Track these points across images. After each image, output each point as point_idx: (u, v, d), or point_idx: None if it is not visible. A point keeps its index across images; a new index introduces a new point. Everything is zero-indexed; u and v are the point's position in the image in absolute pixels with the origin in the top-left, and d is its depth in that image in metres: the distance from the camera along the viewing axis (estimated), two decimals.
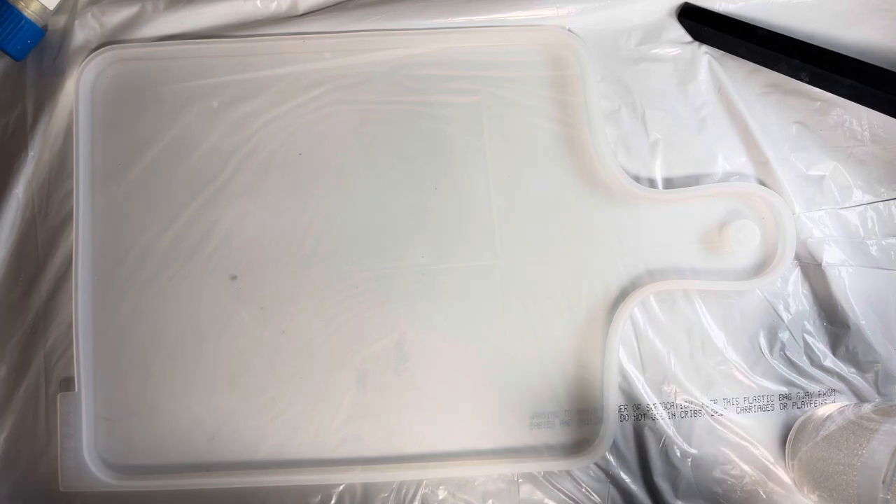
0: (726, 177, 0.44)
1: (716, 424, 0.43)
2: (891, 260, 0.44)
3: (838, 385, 0.44)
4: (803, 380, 0.44)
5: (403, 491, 0.43)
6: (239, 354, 0.43)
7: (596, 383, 0.43)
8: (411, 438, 0.43)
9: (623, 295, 0.43)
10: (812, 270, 0.44)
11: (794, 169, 0.44)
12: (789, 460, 0.43)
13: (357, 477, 0.42)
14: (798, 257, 0.44)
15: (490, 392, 0.43)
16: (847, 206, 0.44)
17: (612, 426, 0.42)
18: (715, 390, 0.43)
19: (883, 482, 0.35)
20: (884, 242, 0.44)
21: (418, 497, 0.43)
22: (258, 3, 0.44)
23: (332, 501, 0.43)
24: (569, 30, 0.44)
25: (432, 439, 0.43)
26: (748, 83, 0.44)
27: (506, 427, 0.43)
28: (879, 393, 0.43)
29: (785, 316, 0.44)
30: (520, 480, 0.43)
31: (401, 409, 0.43)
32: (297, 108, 0.44)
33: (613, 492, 0.43)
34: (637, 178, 0.44)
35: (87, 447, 0.42)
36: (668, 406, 0.43)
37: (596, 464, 0.43)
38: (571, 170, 0.44)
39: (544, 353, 0.43)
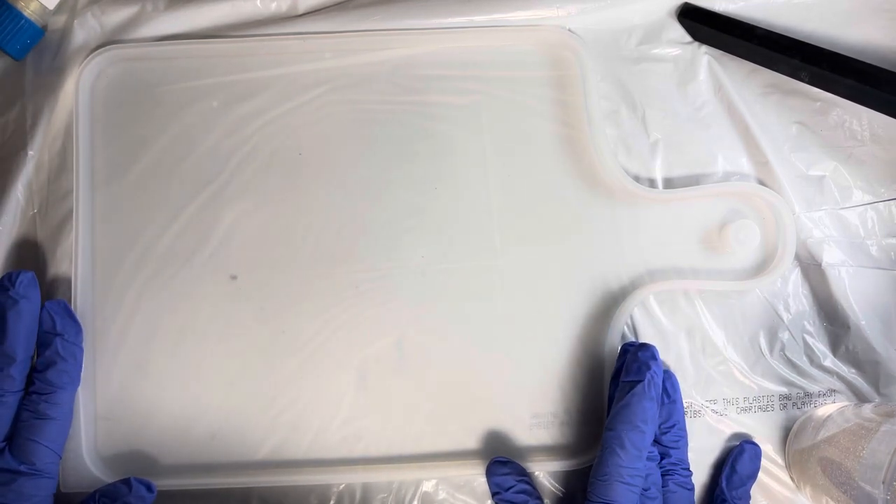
0: (726, 177, 0.44)
1: (715, 424, 0.43)
2: (891, 260, 0.44)
3: (838, 385, 0.44)
4: (803, 380, 0.44)
5: (403, 491, 0.43)
6: (239, 354, 0.43)
7: (596, 383, 0.43)
8: (411, 438, 0.43)
9: (623, 295, 0.43)
10: (812, 271, 0.44)
11: (794, 169, 0.44)
12: (789, 460, 0.43)
13: (357, 477, 0.42)
14: (798, 257, 0.44)
15: (490, 392, 0.43)
16: (847, 206, 0.44)
17: None
18: (715, 390, 0.43)
19: (883, 482, 0.35)
20: (884, 243, 0.44)
21: (417, 497, 0.43)
22: (258, 3, 0.44)
23: (332, 502, 0.43)
24: (569, 30, 0.44)
25: (432, 439, 0.43)
26: (748, 83, 0.44)
27: (506, 427, 0.43)
28: (879, 393, 0.43)
29: (785, 316, 0.44)
30: None
31: (401, 409, 0.43)
32: (297, 108, 0.44)
33: None
34: (637, 178, 0.44)
35: (87, 447, 0.42)
36: None
37: None
38: (571, 170, 0.44)
39: (544, 353, 0.43)
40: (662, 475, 0.40)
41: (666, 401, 0.41)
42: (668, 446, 0.40)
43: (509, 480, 0.40)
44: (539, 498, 0.41)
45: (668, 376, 0.41)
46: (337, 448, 0.43)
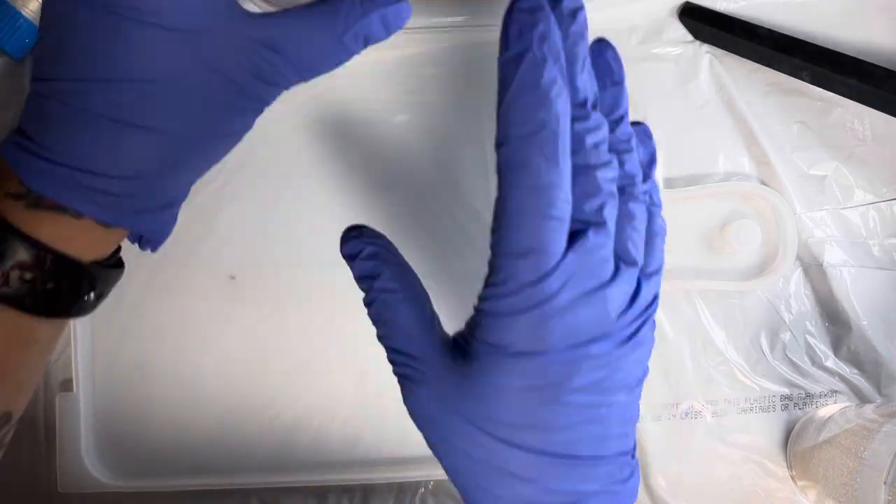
0: (727, 176, 0.44)
1: (716, 425, 0.43)
2: (893, 260, 0.44)
3: (840, 386, 0.43)
4: (805, 380, 0.43)
5: (403, 492, 0.43)
6: (238, 354, 0.43)
7: None
8: (411, 439, 0.43)
9: None
10: (813, 271, 0.44)
11: (796, 168, 0.44)
12: (790, 461, 0.43)
13: (357, 477, 0.42)
14: (799, 257, 0.44)
15: None
16: (849, 206, 0.44)
17: None
18: (715, 391, 0.43)
19: (885, 483, 0.35)
20: (886, 243, 0.44)
21: (418, 498, 0.43)
22: (258, 1, 0.44)
23: (331, 502, 0.43)
24: None
25: None
26: (749, 82, 0.44)
27: None
28: (881, 394, 0.43)
29: (786, 316, 0.44)
30: None
31: (401, 410, 0.43)
32: (296, 107, 0.44)
33: None
34: None
35: (86, 448, 0.42)
36: (669, 406, 0.43)
37: None
38: None
39: None
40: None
41: (608, 84, 0.29)
42: (617, 150, 0.28)
43: (358, 245, 0.32)
44: (397, 264, 0.31)
45: (605, 47, 0.30)
46: (337, 448, 0.43)
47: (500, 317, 0.26)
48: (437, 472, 0.42)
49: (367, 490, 0.43)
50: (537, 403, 0.26)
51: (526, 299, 0.25)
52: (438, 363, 0.29)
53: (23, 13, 0.42)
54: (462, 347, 0.28)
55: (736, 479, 0.43)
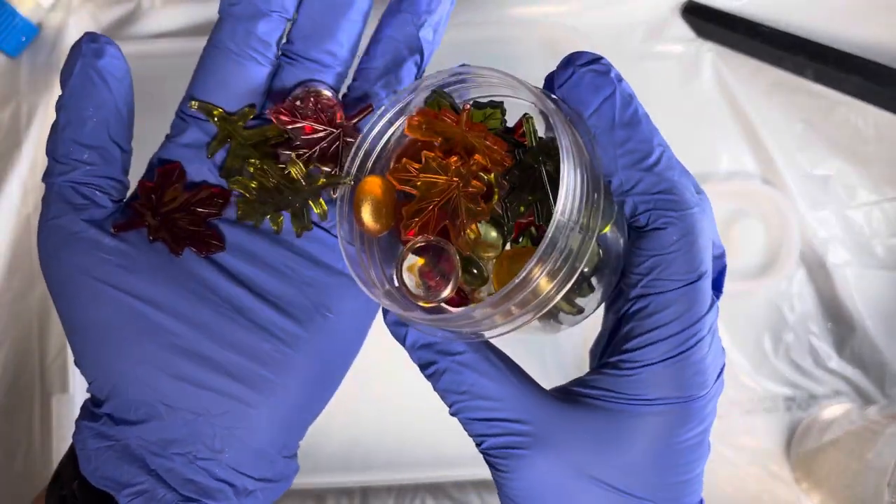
0: (730, 176, 0.44)
1: (719, 427, 0.43)
2: None
3: (843, 387, 0.43)
4: (808, 381, 0.43)
5: (402, 494, 0.43)
6: None
7: None
8: (411, 440, 0.43)
9: None
10: (817, 271, 0.43)
11: (799, 168, 0.44)
12: (794, 462, 0.43)
13: (356, 479, 0.42)
14: (803, 257, 0.43)
15: None
16: (852, 205, 0.43)
17: None
18: None
19: (888, 485, 0.35)
20: (889, 242, 0.43)
21: (417, 499, 0.43)
22: None
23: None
24: (572, 26, 0.44)
25: (432, 441, 0.43)
26: (753, 81, 0.44)
27: None
28: (885, 395, 0.43)
29: (789, 317, 0.43)
30: None
31: (401, 411, 0.43)
32: None
33: None
34: None
35: None
36: None
37: None
38: None
39: (545, 352, 0.43)
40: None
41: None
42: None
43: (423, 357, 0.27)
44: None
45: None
46: (336, 450, 0.42)
47: (651, 366, 0.23)
48: (436, 474, 0.42)
49: (367, 493, 0.43)
50: (687, 453, 0.24)
51: (680, 345, 0.22)
52: (560, 423, 0.23)
53: (18, 11, 0.42)
54: (578, 402, 0.24)
55: (739, 482, 0.43)
